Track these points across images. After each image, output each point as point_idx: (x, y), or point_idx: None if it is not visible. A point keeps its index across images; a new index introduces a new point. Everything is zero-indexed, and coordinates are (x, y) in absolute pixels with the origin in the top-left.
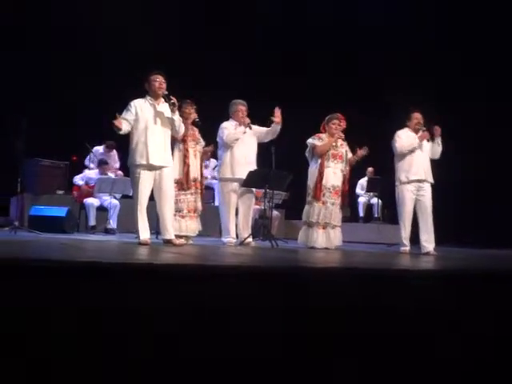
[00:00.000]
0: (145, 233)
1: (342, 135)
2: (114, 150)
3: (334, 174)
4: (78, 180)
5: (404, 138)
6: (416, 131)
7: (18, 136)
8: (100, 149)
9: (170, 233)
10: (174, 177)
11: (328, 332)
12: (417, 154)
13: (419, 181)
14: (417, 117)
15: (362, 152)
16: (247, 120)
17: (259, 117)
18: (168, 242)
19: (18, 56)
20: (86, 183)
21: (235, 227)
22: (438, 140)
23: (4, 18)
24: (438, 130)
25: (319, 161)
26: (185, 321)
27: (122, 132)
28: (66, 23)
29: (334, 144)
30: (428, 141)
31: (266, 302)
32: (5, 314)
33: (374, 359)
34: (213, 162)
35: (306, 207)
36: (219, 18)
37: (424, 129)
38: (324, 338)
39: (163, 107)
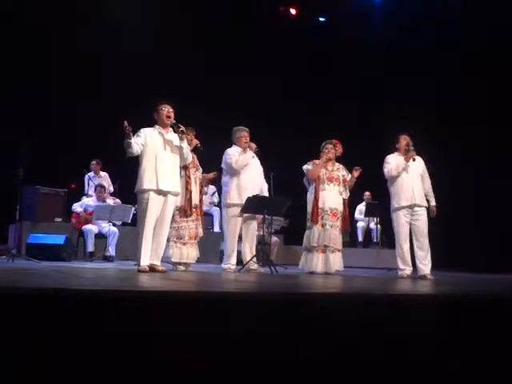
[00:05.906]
0: (146, 260)
1: (332, 157)
2: (106, 173)
3: (331, 197)
4: (77, 207)
5: (392, 163)
6: (406, 153)
7: (18, 163)
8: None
9: (159, 259)
10: (176, 204)
11: (326, 358)
12: (406, 178)
13: (411, 206)
14: (405, 138)
15: (355, 173)
16: (254, 144)
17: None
18: (152, 266)
19: (18, 84)
20: (85, 210)
21: (238, 253)
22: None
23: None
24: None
25: (314, 185)
26: (185, 347)
27: (132, 153)
28: (66, 51)
29: (329, 168)
30: (414, 160)
31: (266, 328)
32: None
33: None
34: (211, 188)
35: (306, 232)
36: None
37: (412, 149)
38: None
39: (171, 136)
